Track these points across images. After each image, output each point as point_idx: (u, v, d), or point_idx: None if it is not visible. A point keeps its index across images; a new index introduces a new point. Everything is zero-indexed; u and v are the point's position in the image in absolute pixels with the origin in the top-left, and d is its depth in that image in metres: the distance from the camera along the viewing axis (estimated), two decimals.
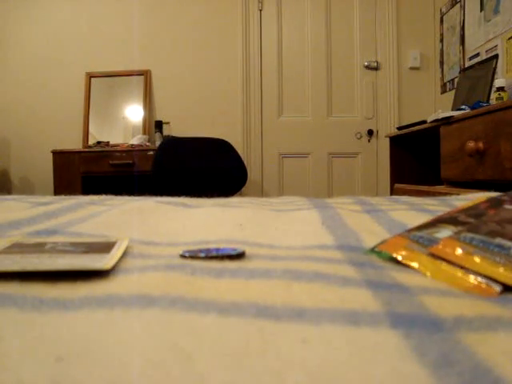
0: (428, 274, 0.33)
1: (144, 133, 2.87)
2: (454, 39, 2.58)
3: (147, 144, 2.73)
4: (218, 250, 0.40)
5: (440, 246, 0.36)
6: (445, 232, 0.39)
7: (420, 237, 0.39)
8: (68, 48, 2.99)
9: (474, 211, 0.43)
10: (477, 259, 0.33)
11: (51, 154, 2.66)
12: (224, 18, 2.92)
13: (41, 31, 3.00)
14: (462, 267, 0.33)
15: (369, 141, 2.89)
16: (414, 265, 0.35)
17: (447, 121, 1.74)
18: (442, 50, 2.77)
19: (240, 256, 0.39)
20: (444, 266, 0.33)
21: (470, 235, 0.36)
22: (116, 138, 2.90)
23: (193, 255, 0.38)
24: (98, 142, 2.81)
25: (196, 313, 0.25)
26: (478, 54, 2.30)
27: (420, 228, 0.42)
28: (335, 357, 0.20)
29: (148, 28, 2.95)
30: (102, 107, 2.96)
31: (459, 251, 0.34)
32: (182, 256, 0.39)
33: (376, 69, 2.89)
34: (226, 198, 0.90)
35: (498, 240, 0.34)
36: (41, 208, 0.67)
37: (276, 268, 0.34)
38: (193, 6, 2.93)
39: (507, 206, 0.43)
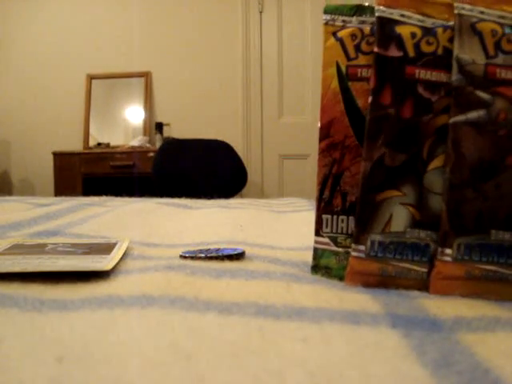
0: None
1: (144, 134, 2.87)
2: None
3: (147, 145, 2.73)
4: (217, 250, 0.40)
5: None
6: None
7: None
8: (68, 49, 2.99)
9: None
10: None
11: (52, 156, 2.66)
12: (224, 21, 2.93)
13: (41, 32, 3.01)
14: None
15: None
16: None
17: None
18: None
19: (240, 256, 0.39)
20: None
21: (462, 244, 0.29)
22: (116, 139, 2.90)
23: (193, 256, 0.38)
24: (99, 144, 2.81)
25: (196, 313, 0.25)
26: None
27: None
28: (335, 356, 0.20)
29: (148, 30, 2.95)
30: (102, 109, 2.96)
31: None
32: (182, 256, 0.39)
33: None
34: (226, 200, 0.90)
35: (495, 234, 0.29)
36: (42, 209, 0.67)
37: (276, 268, 0.34)
38: (193, 8, 2.94)
39: None
